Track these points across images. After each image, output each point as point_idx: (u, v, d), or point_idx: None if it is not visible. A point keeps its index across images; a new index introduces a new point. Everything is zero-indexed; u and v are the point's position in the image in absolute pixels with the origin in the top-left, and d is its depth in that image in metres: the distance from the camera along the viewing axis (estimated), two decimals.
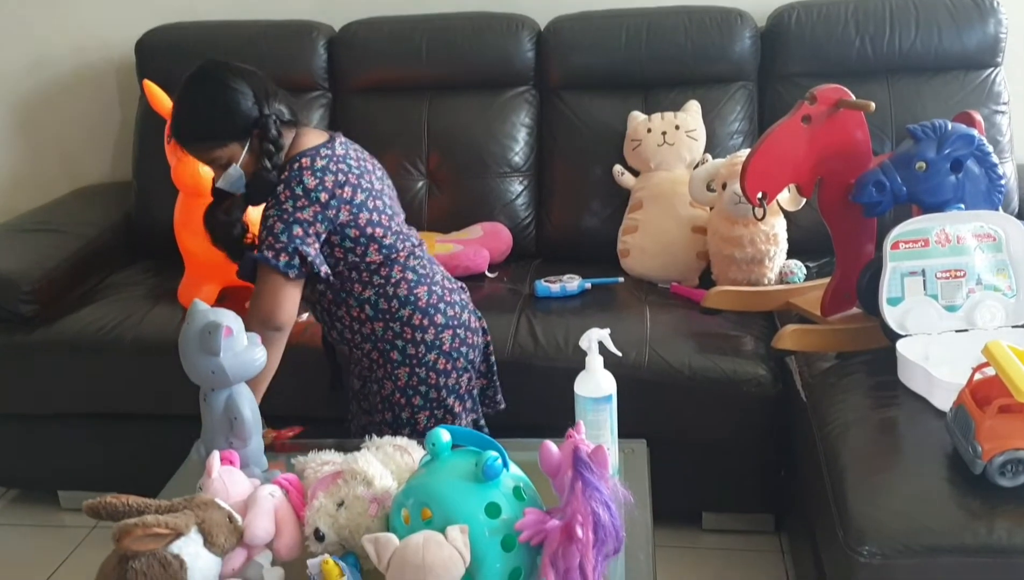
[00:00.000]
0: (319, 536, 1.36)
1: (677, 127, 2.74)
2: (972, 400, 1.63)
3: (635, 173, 2.81)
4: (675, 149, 2.74)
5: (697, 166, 2.70)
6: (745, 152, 2.28)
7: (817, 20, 2.81)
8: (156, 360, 2.40)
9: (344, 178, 1.84)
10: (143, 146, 3.07)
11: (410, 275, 1.93)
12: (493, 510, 1.26)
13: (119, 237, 3.04)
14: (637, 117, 2.80)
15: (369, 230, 1.87)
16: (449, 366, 1.95)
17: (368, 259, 1.89)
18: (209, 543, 1.31)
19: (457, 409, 1.98)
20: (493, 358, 2.12)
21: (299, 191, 1.80)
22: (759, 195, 2.11)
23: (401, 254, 1.92)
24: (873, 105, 2.03)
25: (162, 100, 2.60)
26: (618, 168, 2.82)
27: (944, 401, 1.77)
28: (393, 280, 1.92)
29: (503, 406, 2.15)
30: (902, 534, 1.57)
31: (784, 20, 2.84)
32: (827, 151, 2.09)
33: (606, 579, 1.31)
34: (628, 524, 1.37)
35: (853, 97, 2.08)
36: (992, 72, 2.78)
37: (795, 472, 2.22)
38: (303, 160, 1.82)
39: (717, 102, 2.84)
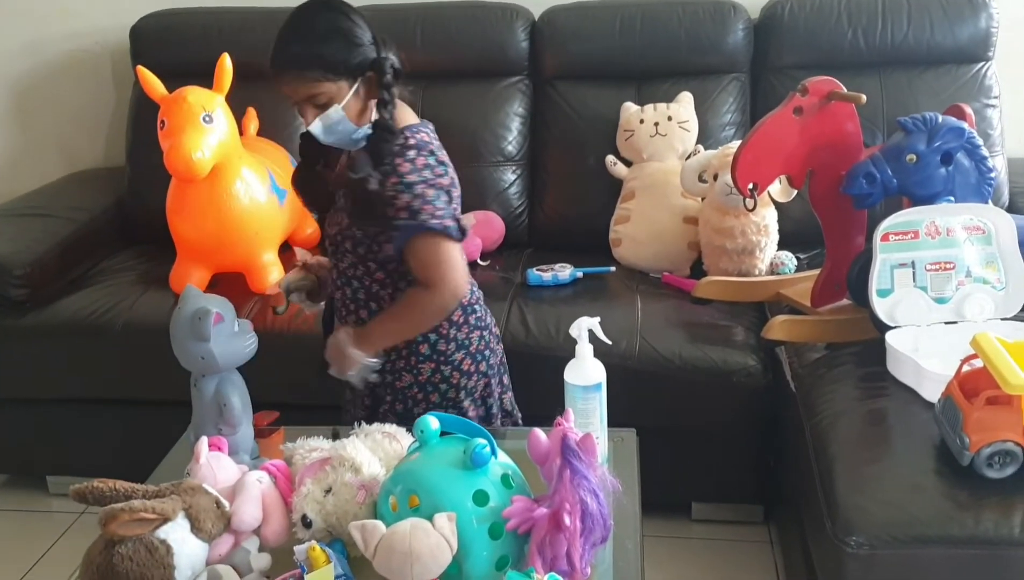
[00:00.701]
0: (306, 523, 1.36)
1: (670, 118, 2.75)
2: (960, 392, 1.64)
3: (628, 163, 2.81)
4: (667, 140, 2.74)
5: (689, 157, 2.70)
6: (737, 143, 2.29)
7: (810, 12, 2.81)
8: (147, 345, 2.40)
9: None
10: (136, 132, 3.06)
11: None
12: (481, 498, 1.26)
13: (111, 222, 3.03)
14: (630, 108, 2.80)
15: None
16: (472, 368, 1.88)
17: None
18: (196, 529, 1.31)
19: (471, 413, 1.91)
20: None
21: (432, 161, 1.71)
22: (750, 186, 2.11)
23: None
24: (864, 97, 2.04)
25: (156, 86, 2.59)
26: (611, 158, 2.82)
27: (933, 392, 1.78)
28: None
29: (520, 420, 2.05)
30: (889, 525, 1.58)
31: (777, 12, 2.84)
32: (818, 143, 2.10)
33: (593, 567, 1.31)
34: (616, 513, 1.37)
35: (844, 89, 2.09)
36: (983, 66, 2.78)
37: (784, 463, 2.23)
38: (422, 133, 1.74)
39: (710, 93, 2.84)
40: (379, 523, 1.23)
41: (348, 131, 1.71)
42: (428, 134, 1.76)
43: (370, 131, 1.71)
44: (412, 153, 1.70)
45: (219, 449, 1.50)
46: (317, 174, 1.84)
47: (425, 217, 1.68)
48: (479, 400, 1.93)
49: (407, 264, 1.74)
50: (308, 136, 1.75)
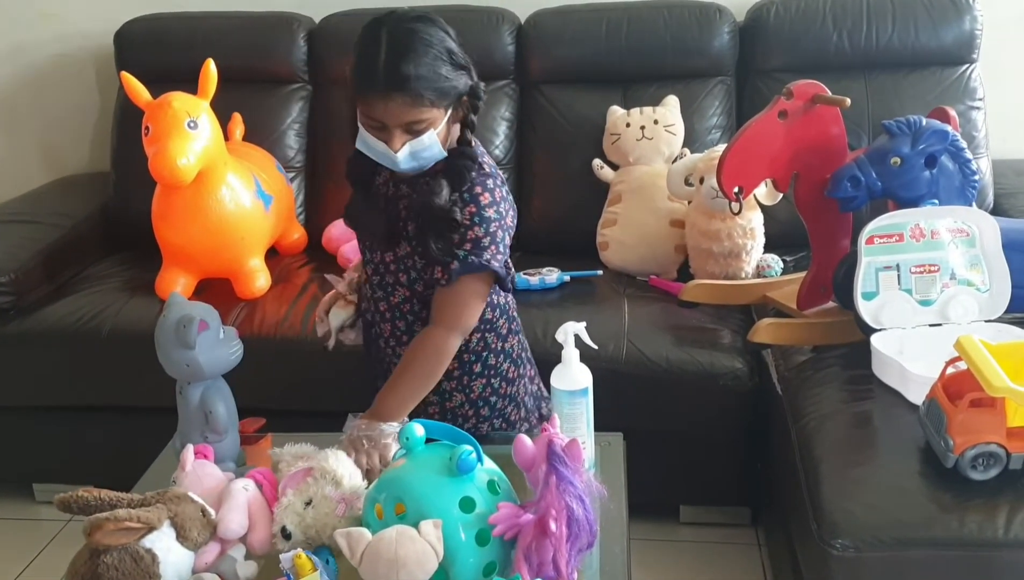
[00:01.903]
0: (286, 534, 1.35)
1: (656, 122, 2.75)
2: (944, 394, 1.65)
3: (614, 167, 2.82)
4: (654, 144, 2.74)
5: (675, 160, 2.71)
6: (722, 147, 2.29)
7: (795, 15, 2.82)
8: (133, 352, 2.39)
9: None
10: (121, 137, 3.05)
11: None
12: (467, 504, 1.26)
13: (96, 228, 3.02)
14: (616, 112, 2.81)
15: None
16: (516, 374, 1.86)
17: None
18: (182, 537, 1.30)
19: (513, 417, 1.88)
20: None
21: (505, 191, 1.67)
22: (736, 189, 2.12)
23: None
24: (848, 101, 2.05)
25: (140, 92, 2.58)
26: (597, 162, 2.82)
27: (917, 395, 1.78)
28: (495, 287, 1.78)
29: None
30: (874, 527, 1.59)
31: (762, 15, 2.85)
32: (803, 146, 2.10)
33: (580, 573, 1.31)
34: (603, 518, 1.37)
35: (829, 93, 2.09)
36: (968, 68, 2.80)
37: (771, 465, 2.23)
38: (486, 157, 1.69)
39: (695, 97, 2.84)
40: (364, 531, 1.23)
41: (434, 157, 1.62)
42: (488, 156, 1.72)
43: (445, 154, 1.63)
44: (490, 182, 1.65)
45: (205, 457, 1.50)
46: (376, 202, 1.74)
47: (488, 257, 1.62)
48: (520, 402, 1.90)
49: (436, 289, 1.67)
50: (360, 158, 1.67)
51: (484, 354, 1.80)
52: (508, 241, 1.67)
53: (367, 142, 1.61)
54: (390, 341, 1.79)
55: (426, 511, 1.24)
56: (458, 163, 1.63)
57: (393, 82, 1.52)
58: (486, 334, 1.79)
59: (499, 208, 1.64)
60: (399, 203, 1.71)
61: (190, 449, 1.48)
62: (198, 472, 1.45)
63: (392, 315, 1.77)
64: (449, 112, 1.60)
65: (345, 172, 1.77)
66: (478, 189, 1.63)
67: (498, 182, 1.67)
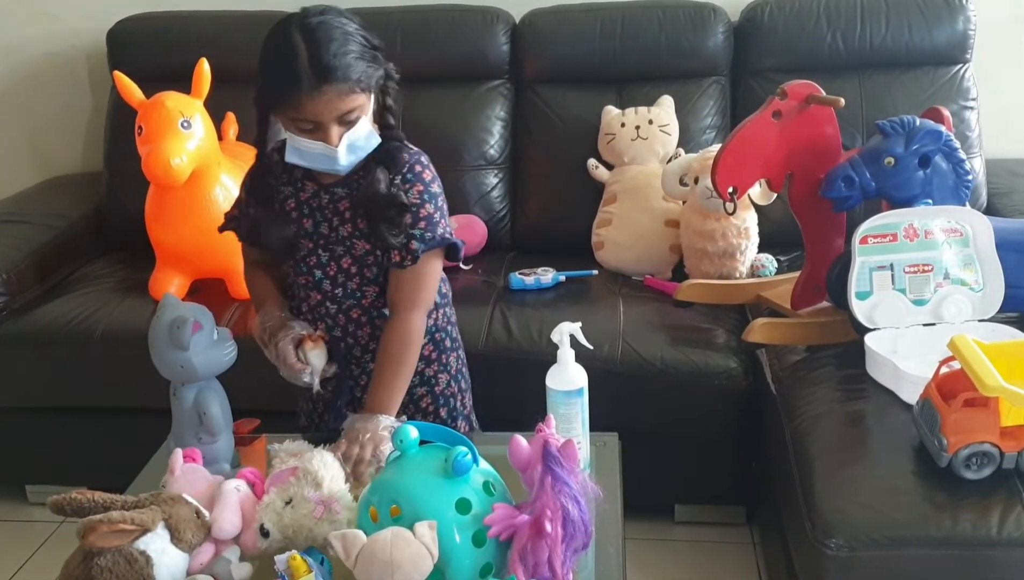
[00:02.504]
0: (264, 532, 1.34)
1: (650, 122, 2.75)
2: (938, 393, 1.65)
3: (609, 167, 2.82)
4: (648, 143, 2.74)
5: (670, 160, 2.71)
6: (717, 147, 2.29)
7: (789, 15, 2.82)
8: (126, 353, 2.39)
9: None
10: (114, 137, 3.04)
11: None
12: (463, 506, 1.26)
13: (89, 229, 3.01)
14: (611, 111, 2.81)
15: None
16: (458, 334, 1.93)
17: None
18: (176, 539, 1.30)
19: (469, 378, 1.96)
20: None
21: (433, 169, 1.70)
22: (730, 190, 2.12)
23: None
24: (843, 101, 2.05)
25: (133, 91, 2.57)
26: (592, 162, 2.82)
27: (911, 394, 1.79)
28: None
29: None
30: (869, 527, 1.59)
31: (757, 15, 2.85)
32: (797, 146, 2.11)
33: (575, 574, 1.31)
34: (598, 518, 1.37)
35: (823, 93, 2.10)
36: (961, 68, 2.80)
37: (765, 464, 2.23)
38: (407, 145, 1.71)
39: (690, 97, 2.84)
40: (359, 532, 1.23)
41: (369, 146, 1.62)
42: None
43: (379, 140, 1.64)
44: (424, 159, 1.68)
45: (194, 460, 1.50)
46: (284, 218, 1.71)
47: (442, 231, 1.65)
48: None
49: (392, 273, 1.69)
50: (263, 172, 1.68)
51: (448, 327, 1.86)
52: (447, 215, 1.72)
53: (300, 149, 1.59)
54: (370, 344, 1.77)
55: (421, 513, 1.23)
56: (388, 147, 1.64)
57: (321, 75, 1.51)
58: (445, 308, 1.85)
59: (438, 183, 1.69)
60: (339, 206, 1.70)
61: (178, 453, 1.47)
62: (188, 476, 1.44)
63: (368, 318, 1.76)
64: (372, 98, 1.60)
65: (247, 188, 1.74)
66: (418, 168, 1.67)
67: (424, 160, 1.70)
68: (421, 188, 1.65)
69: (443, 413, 1.85)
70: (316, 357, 1.69)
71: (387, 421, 1.58)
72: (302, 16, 1.57)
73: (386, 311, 1.75)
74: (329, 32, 1.54)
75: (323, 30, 1.54)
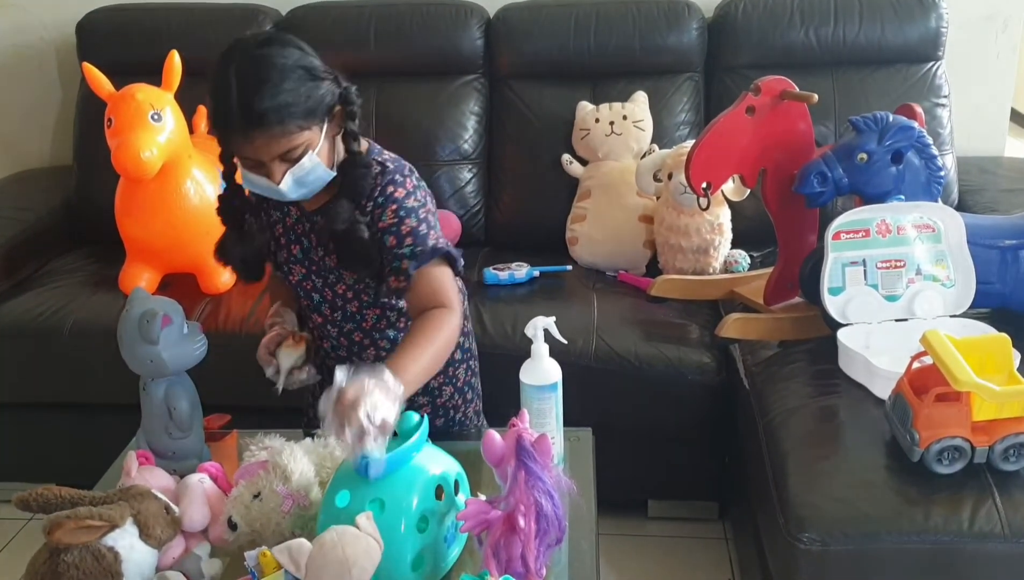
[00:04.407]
0: (232, 525, 1.33)
1: (625, 117, 2.75)
2: (910, 388, 1.66)
3: (583, 162, 2.82)
4: (623, 139, 2.74)
5: (644, 156, 2.71)
6: (691, 143, 2.29)
7: (763, 12, 2.83)
8: (96, 348, 2.37)
9: None
10: (84, 130, 3.01)
11: None
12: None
13: (59, 222, 2.98)
14: (585, 107, 2.81)
15: None
16: (476, 349, 1.89)
17: None
18: (145, 535, 1.29)
19: (479, 388, 1.90)
20: None
21: (415, 180, 1.61)
22: (704, 185, 2.12)
23: None
24: (816, 97, 2.06)
25: (103, 83, 2.54)
26: (566, 157, 2.82)
27: (883, 389, 1.80)
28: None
29: None
30: (841, 521, 1.60)
31: (730, 12, 2.86)
32: (771, 142, 2.11)
33: (549, 569, 1.31)
34: (572, 513, 1.37)
35: (797, 89, 2.10)
36: (933, 66, 2.82)
37: (739, 459, 2.24)
38: (384, 152, 1.63)
39: (664, 93, 2.85)
40: (303, 540, 1.20)
41: (322, 178, 1.54)
42: (385, 150, 1.66)
43: (335, 173, 1.55)
44: (398, 177, 1.58)
45: (148, 461, 1.49)
46: (248, 238, 1.66)
47: (433, 242, 1.56)
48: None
49: (405, 296, 1.59)
50: (229, 195, 1.61)
51: (460, 339, 1.77)
52: (438, 225, 1.62)
53: (250, 180, 1.53)
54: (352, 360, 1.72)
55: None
56: (353, 174, 1.55)
57: (251, 120, 1.43)
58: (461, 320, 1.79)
59: (416, 196, 1.59)
60: (322, 235, 1.63)
61: (132, 456, 1.46)
62: (144, 476, 1.43)
63: (372, 340, 1.73)
64: (325, 127, 1.51)
65: (216, 210, 1.66)
66: (390, 188, 1.57)
67: (405, 172, 1.61)
68: (395, 207, 1.56)
69: (439, 423, 1.82)
70: (285, 357, 1.66)
71: (392, 381, 1.33)
72: (243, 48, 1.47)
73: (390, 333, 1.73)
74: (265, 71, 1.44)
75: (258, 67, 1.44)
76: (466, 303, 1.81)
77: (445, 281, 1.59)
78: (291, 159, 1.48)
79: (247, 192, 1.62)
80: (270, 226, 1.71)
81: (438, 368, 1.55)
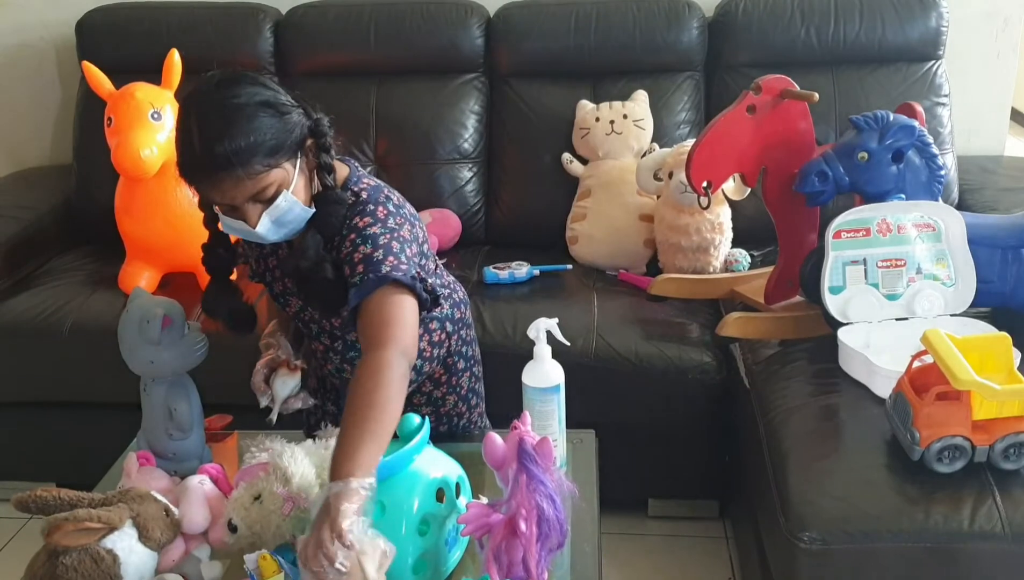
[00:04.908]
0: (232, 527, 1.33)
1: (625, 116, 2.75)
2: (911, 387, 1.66)
3: (584, 161, 2.81)
4: (623, 138, 2.74)
5: (644, 155, 2.71)
6: (691, 141, 2.29)
7: (763, 11, 2.82)
8: (96, 348, 2.36)
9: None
10: (84, 129, 3.00)
11: (445, 273, 1.79)
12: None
13: (59, 221, 2.97)
14: (586, 106, 2.80)
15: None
16: (479, 352, 1.87)
17: (437, 268, 1.73)
18: (144, 537, 1.28)
19: (482, 393, 1.89)
20: None
21: (391, 207, 1.52)
22: (704, 184, 2.12)
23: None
24: (817, 96, 2.05)
25: (102, 82, 2.54)
26: (567, 156, 2.82)
27: (884, 388, 1.80)
28: (449, 283, 1.76)
29: None
30: (841, 520, 1.60)
31: (731, 10, 2.85)
32: (771, 141, 2.11)
33: (550, 573, 1.30)
34: (574, 516, 1.37)
35: (797, 88, 2.10)
36: (934, 65, 2.82)
37: (739, 458, 2.24)
38: (364, 180, 1.56)
39: (665, 92, 2.84)
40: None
41: (301, 218, 1.48)
42: (367, 175, 1.60)
43: (314, 209, 1.49)
44: (370, 207, 1.51)
45: (148, 462, 1.49)
46: (235, 289, 1.63)
47: (387, 269, 1.44)
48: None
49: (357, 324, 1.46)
50: (214, 244, 1.57)
51: (463, 349, 1.79)
52: (412, 253, 1.51)
53: (228, 224, 1.48)
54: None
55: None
56: (324, 211, 1.49)
57: (215, 165, 1.37)
58: (460, 330, 1.78)
59: (385, 224, 1.50)
60: (285, 266, 1.61)
61: (133, 457, 1.46)
62: (144, 477, 1.43)
63: (353, 354, 1.72)
64: (299, 163, 1.46)
65: (201, 261, 1.62)
66: (356, 219, 1.50)
67: (380, 200, 1.53)
68: (353, 236, 1.48)
69: (443, 429, 1.81)
70: (280, 385, 1.63)
71: (354, 483, 1.21)
72: (201, 93, 1.42)
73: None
74: (223, 112, 1.38)
75: (218, 110, 1.39)
76: (466, 309, 1.81)
77: (393, 312, 1.42)
78: (263, 200, 1.43)
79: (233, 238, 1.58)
80: (263, 258, 1.69)
81: (390, 417, 1.32)
